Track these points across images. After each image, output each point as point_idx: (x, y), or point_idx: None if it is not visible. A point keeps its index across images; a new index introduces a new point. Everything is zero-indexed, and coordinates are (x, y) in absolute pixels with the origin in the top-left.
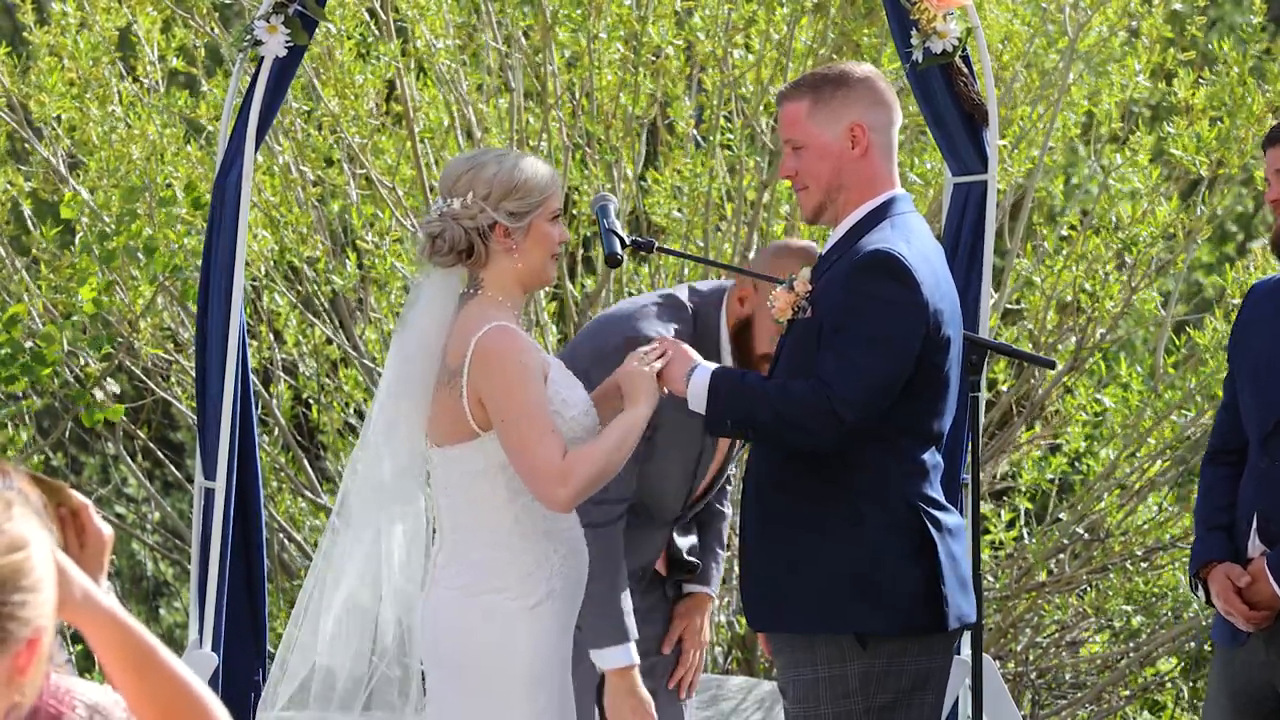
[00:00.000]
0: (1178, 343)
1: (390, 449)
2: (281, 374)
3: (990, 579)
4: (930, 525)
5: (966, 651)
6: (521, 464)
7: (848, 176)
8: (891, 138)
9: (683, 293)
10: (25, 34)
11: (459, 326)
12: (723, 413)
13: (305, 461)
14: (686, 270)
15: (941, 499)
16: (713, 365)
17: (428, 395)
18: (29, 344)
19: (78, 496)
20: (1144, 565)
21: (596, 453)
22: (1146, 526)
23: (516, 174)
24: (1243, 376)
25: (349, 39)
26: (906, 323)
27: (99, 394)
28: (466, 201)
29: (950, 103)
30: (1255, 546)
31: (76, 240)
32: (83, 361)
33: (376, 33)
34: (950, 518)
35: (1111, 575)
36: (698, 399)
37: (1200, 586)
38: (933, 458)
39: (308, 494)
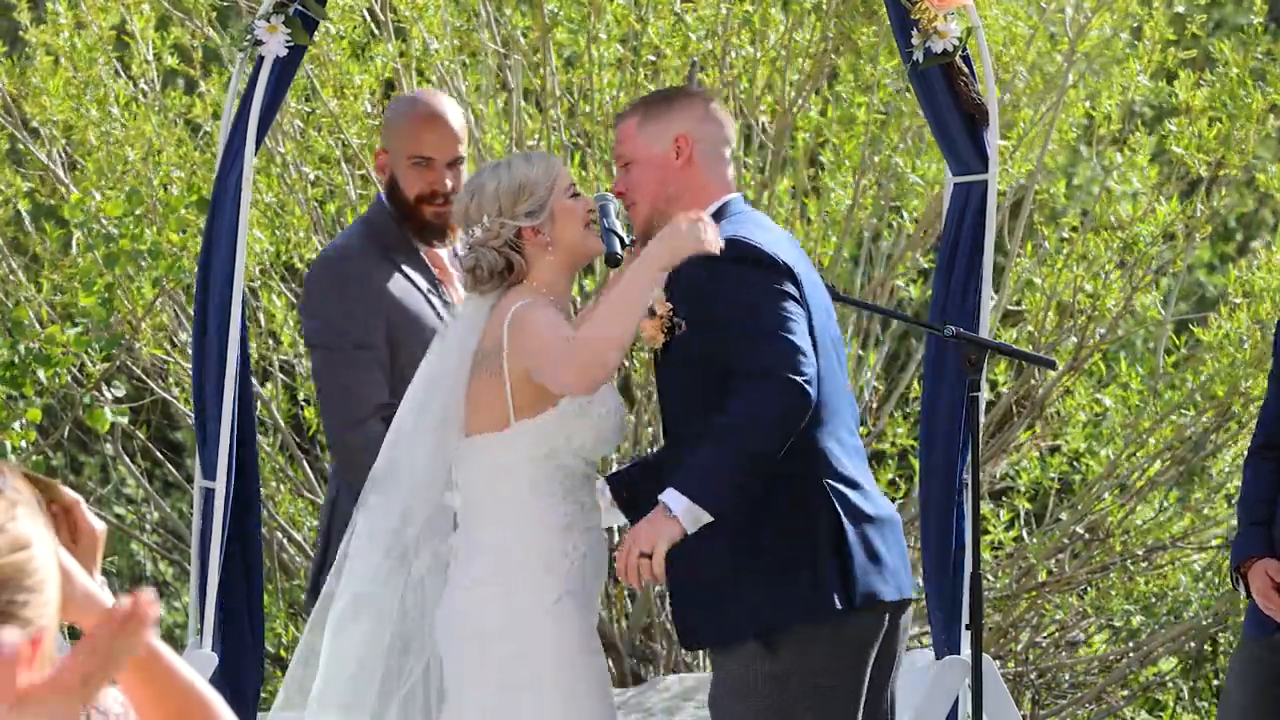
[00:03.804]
0: (1178, 343)
1: (415, 447)
2: (278, 374)
3: (990, 579)
4: (839, 504)
5: (966, 651)
6: (541, 362)
7: (675, 185)
8: (722, 151)
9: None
10: (21, 34)
11: (495, 317)
12: (719, 503)
13: (304, 461)
14: None
15: (860, 480)
16: (669, 490)
17: (457, 403)
18: (34, 345)
19: (69, 493)
20: (1144, 565)
21: (595, 323)
22: (1146, 526)
23: (516, 175)
24: None
25: (342, 39)
26: (782, 293)
27: (107, 395)
28: (485, 224)
29: (950, 103)
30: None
31: (74, 242)
32: (82, 362)
33: (375, 33)
34: (867, 502)
35: (1111, 575)
36: (694, 518)
37: (1240, 581)
38: (840, 437)
39: (307, 494)
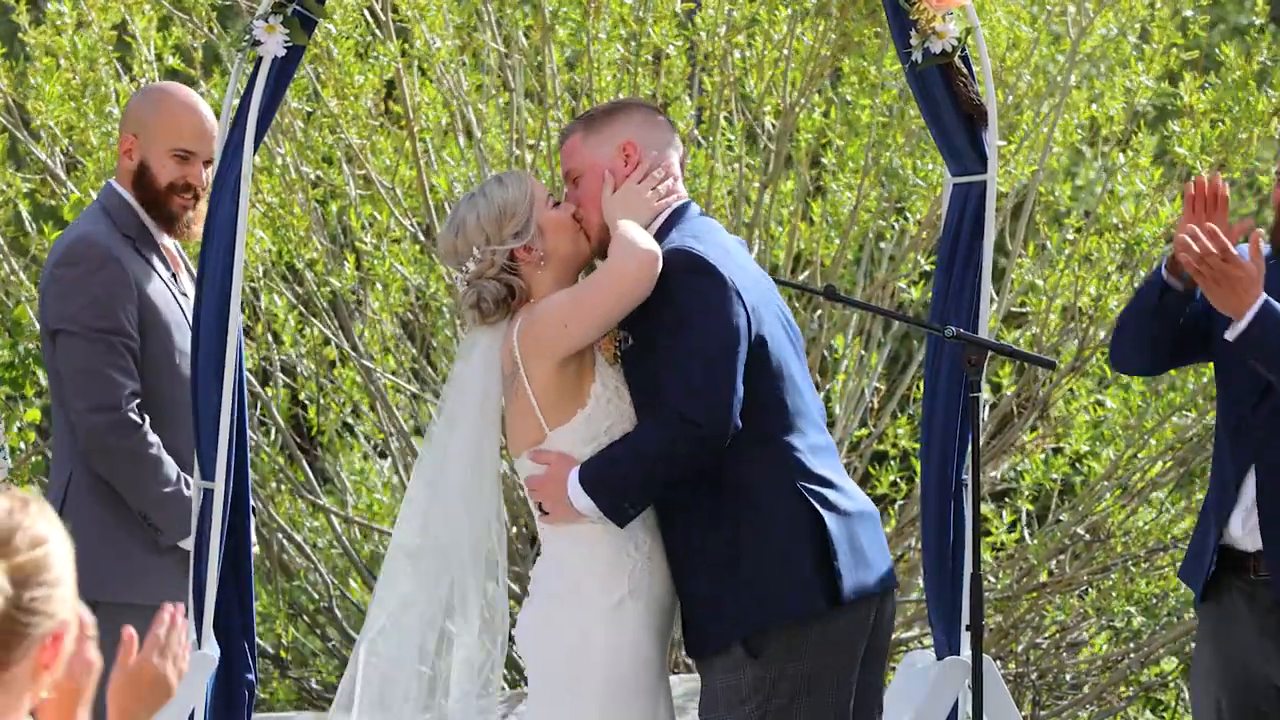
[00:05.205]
0: None
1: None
2: (279, 374)
3: (991, 579)
4: (816, 503)
5: (966, 652)
6: (574, 309)
7: None
8: (669, 156)
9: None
10: (21, 35)
11: (506, 341)
12: (614, 504)
13: (304, 462)
14: None
15: (833, 478)
16: (576, 468)
17: (490, 441)
18: (34, 345)
19: None
20: (1145, 566)
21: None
22: (1148, 527)
23: (494, 201)
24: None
25: (347, 39)
26: (717, 306)
27: None
28: (477, 257)
29: (949, 103)
30: (1241, 520)
31: None
32: None
33: (376, 33)
34: (843, 498)
35: (1113, 576)
36: (588, 508)
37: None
38: (807, 439)
39: (307, 494)
